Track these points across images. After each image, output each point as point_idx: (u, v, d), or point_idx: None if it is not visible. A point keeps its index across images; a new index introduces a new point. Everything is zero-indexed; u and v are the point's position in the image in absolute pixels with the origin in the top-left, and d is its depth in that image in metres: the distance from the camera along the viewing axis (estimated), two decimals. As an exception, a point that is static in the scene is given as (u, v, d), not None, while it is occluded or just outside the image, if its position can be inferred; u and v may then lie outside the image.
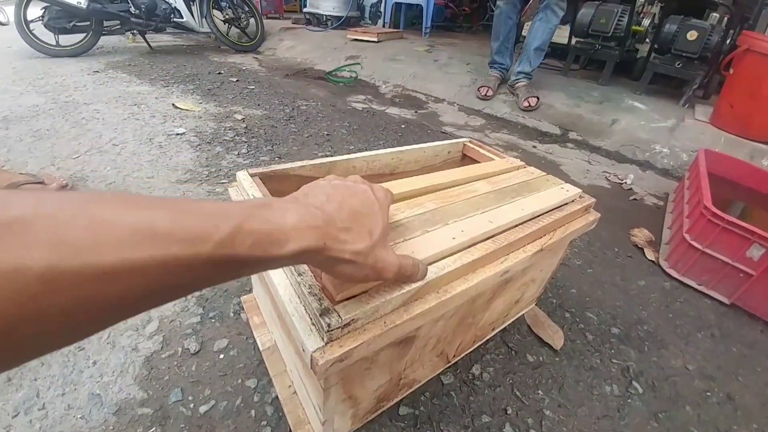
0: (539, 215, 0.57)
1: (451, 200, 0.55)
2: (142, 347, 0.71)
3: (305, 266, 0.40)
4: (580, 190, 0.64)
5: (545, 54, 2.13)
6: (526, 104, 2.10)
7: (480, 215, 0.52)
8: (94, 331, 0.20)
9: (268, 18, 4.42)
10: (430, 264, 0.43)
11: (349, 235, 0.30)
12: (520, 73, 2.17)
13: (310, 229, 0.27)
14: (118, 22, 2.60)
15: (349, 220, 0.30)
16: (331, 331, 0.34)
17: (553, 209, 0.59)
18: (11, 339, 0.16)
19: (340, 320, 0.35)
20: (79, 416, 0.59)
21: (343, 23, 3.87)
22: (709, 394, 0.74)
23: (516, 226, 0.53)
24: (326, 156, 1.28)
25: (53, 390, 0.62)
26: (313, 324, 0.36)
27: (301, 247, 0.26)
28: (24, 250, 0.16)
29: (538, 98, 2.13)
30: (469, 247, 0.47)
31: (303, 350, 0.35)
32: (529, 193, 0.61)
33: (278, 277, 0.41)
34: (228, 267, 0.23)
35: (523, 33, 3.12)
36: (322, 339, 0.35)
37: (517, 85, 2.19)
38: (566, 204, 0.61)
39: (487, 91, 2.07)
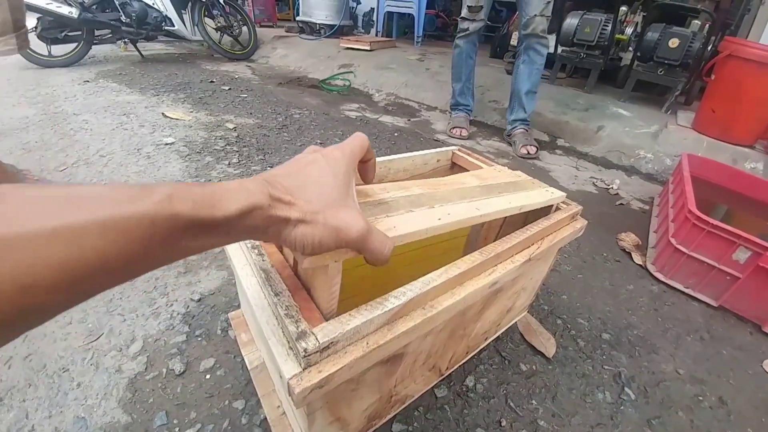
0: (528, 212, 0.56)
1: (439, 188, 0.52)
2: (126, 368, 0.69)
3: (283, 285, 0.39)
4: (565, 194, 0.65)
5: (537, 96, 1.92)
6: (524, 151, 1.84)
7: (467, 203, 0.50)
8: (61, 305, 0.20)
9: (261, 26, 4.44)
10: (410, 242, 0.41)
11: (296, 192, 0.29)
12: (515, 121, 1.94)
13: (251, 190, 0.26)
14: (110, 31, 2.61)
15: (295, 180, 0.30)
16: (309, 356, 0.33)
17: (540, 208, 0.58)
18: None
19: (317, 344, 0.33)
20: (66, 439, 0.58)
21: (336, 32, 3.91)
22: (701, 398, 0.75)
23: (503, 223, 0.52)
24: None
25: (41, 412, 0.61)
26: (290, 348, 0.34)
27: (244, 205, 0.25)
28: None
29: (537, 147, 1.86)
30: (454, 229, 0.45)
31: (280, 376, 0.33)
32: (516, 191, 0.60)
33: (256, 298, 0.39)
34: (176, 230, 0.22)
35: (512, 42, 3.17)
36: (300, 364, 0.33)
37: (514, 132, 1.94)
38: (554, 212, 0.62)
39: (462, 132, 2.00)
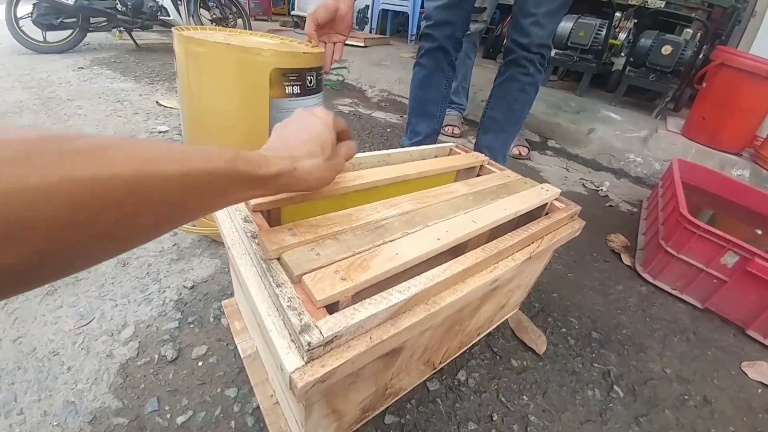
0: (523, 213, 0.57)
1: (429, 201, 0.54)
2: (117, 353, 0.68)
3: (285, 277, 0.38)
4: (559, 191, 0.66)
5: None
6: (516, 152, 1.89)
7: (462, 215, 0.51)
8: (172, 226, 0.27)
9: (255, 20, 4.39)
10: (416, 266, 0.42)
11: (307, 159, 0.40)
12: None
13: (282, 159, 0.37)
14: (105, 18, 2.59)
15: (305, 148, 0.40)
16: (312, 349, 0.32)
17: (536, 208, 0.59)
18: (115, 236, 0.23)
19: (321, 337, 0.32)
20: (54, 423, 0.57)
21: (330, 27, 3.88)
22: (686, 397, 0.77)
23: (501, 225, 0.53)
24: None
25: (30, 395, 0.60)
26: (293, 341, 0.33)
27: (278, 169, 0.36)
28: (112, 164, 0.21)
29: (528, 148, 1.91)
30: (454, 248, 0.46)
31: (281, 370, 0.32)
32: (508, 194, 0.61)
33: (255, 288, 0.38)
34: (236, 180, 0.31)
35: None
36: (302, 358, 0.32)
37: None
38: (554, 212, 0.62)
39: (454, 130, 2.01)
